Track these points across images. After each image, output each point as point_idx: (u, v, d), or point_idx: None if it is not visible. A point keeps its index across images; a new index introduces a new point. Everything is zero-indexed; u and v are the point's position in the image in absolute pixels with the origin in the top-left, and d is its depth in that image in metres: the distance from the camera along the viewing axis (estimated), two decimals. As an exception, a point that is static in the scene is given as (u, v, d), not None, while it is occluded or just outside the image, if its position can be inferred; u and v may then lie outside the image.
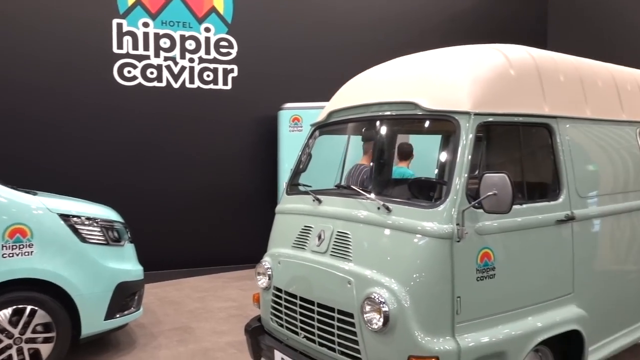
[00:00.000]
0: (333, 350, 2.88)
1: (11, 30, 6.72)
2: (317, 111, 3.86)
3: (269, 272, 3.40)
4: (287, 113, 7.58)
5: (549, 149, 3.17)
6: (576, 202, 3.18)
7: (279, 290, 3.31)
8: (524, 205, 2.92)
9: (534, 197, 3.10)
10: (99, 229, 4.22)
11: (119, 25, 7.17)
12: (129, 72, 7.25)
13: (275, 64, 8.03)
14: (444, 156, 3.31)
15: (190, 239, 7.67)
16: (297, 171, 3.78)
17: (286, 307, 3.25)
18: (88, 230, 4.13)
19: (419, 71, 3.19)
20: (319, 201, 3.28)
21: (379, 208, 2.85)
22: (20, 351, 3.82)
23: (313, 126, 3.78)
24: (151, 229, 7.38)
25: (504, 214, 2.61)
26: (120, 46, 7.19)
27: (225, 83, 7.80)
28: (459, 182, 2.64)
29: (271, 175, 7.67)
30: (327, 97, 3.86)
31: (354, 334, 2.74)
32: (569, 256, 3.13)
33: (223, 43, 7.75)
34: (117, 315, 4.35)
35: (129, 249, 4.58)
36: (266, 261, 3.46)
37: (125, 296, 4.40)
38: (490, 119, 2.84)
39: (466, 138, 2.71)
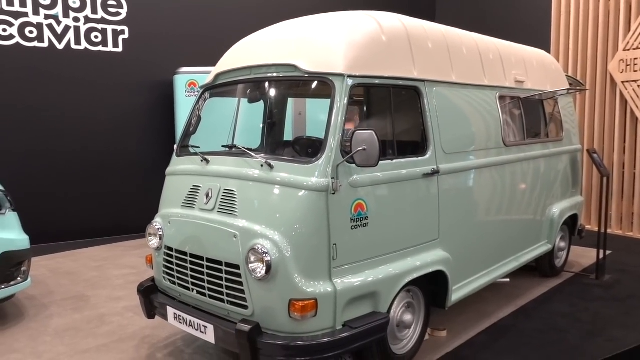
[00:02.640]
0: (222, 301, 3.05)
1: None
2: (214, 76, 3.87)
3: (160, 233, 3.47)
4: (183, 77, 7.45)
5: (417, 110, 3.49)
6: (441, 158, 3.56)
7: (170, 249, 3.40)
8: (394, 161, 3.22)
9: (405, 154, 3.42)
10: (-24, 198, 4.00)
11: (-11, -22, 6.57)
12: (4, 30, 6.70)
13: (170, 26, 7.80)
14: (322, 116, 3.54)
15: (86, 209, 7.40)
16: (187, 133, 3.84)
17: (177, 265, 3.35)
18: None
19: (298, 35, 3.35)
20: (207, 161, 3.38)
21: (262, 165, 3.02)
22: None
23: (201, 88, 3.84)
24: (42, 199, 7.04)
25: (374, 168, 2.89)
26: (-8, 2, 6.61)
27: (115, 45, 7.45)
28: (333, 139, 2.86)
29: (168, 141, 7.55)
30: (224, 62, 3.87)
31: (241, 284, 2.93)
32: (435, 206, 3.51)
33: (111, 2, 7.36)
34: (1, 287, 4.19)
35: (11, 217, 4.38)
36: (157, 222, 3.52)
37: (9, 266, 4.24)
38: (363, 81, 3.08)
39: (340, 98, 2.93)
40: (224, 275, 3.01)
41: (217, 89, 3.77)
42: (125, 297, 5.10)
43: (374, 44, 3.20)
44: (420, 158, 3.41)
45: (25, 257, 4.48)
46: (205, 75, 6.96)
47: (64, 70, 7.10)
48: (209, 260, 3.10)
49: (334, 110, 2.93)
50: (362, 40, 3.14)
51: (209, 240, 3.12)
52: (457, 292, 3.73)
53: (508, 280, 4.47)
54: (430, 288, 3.56)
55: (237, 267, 2.94)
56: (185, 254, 3.27)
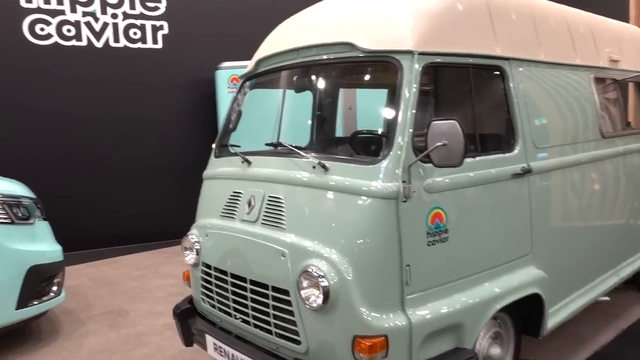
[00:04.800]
0: (270, 332, 2.52)
1: None
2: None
3: (197, 247, 2.98)
4: (225, 73, 7.02)
5: (501, 96, 2.84)
6: (533, 154, 2.89)
7: (208, 266, 2.90)
8: (477, 158, 2.59)
9: (487, 150, 2.78)
10: (0, 206, 3.65)
11: (26, -24, 6.32)
12: (42, 29, 6.45)
13: (210, 19, 7.36)
14: (386, 105, 2.95)
15: (128, 214, 7.08)
16: (226, 131, 3.34)
17: (217, 286, 2.85)
18: (-15, 208, 3.56)
19: (355, 7, 2.75)
20: (249, 163, 2.86)
21: (314, 167, 2.46)
22: None
23: (242, 78, 3.32)
24: (83, 205, 6.77)
25: (456, 168, 2.28)
26: (29, 0, 6.36)
27: (155, 41, 7.10)
28: (402, 133, 2.27)
29: (211, 140, 7.11)
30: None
31: (292, 313, 2.38)
32: (527, 213, 2.85)
33: (150, -4, 7.02)
34: (33, 303, 3.84)
35: (41, 227, 4.02)
36: (193, 234, 3.03)
37: (40, 281, 3.89)
38: (437, 59, 2.47)
39: (410, 81, 2.33)
40: (270, 302, 2.47)
41: (259, 77, 3.24)
42: (165, 312, 4.67)
43: (449, 13, 2.58)
44: (507, 155, 2.76)
45: (58, 270, 4.12)
46: (247, 69, 6.57)
47: (103, 69, 6.79)
48: (252, 282, 2.57)
49: (402, 96, 2.33)
50: (434, 9, 2.53)
51: (252, 259, 2.60)
52: (554, 317, 3.05)
53: (608, 299, 3.72)
54: (521, 312, 2.90)
55: (286, 292, 2.40)
56: (225, 273, 2.76)
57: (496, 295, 2.58)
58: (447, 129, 2.18)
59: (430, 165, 2.29)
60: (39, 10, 6.41)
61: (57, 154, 6.62)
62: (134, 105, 7.01)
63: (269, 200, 2.60)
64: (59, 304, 4.28)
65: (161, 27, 7.11)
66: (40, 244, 3.94)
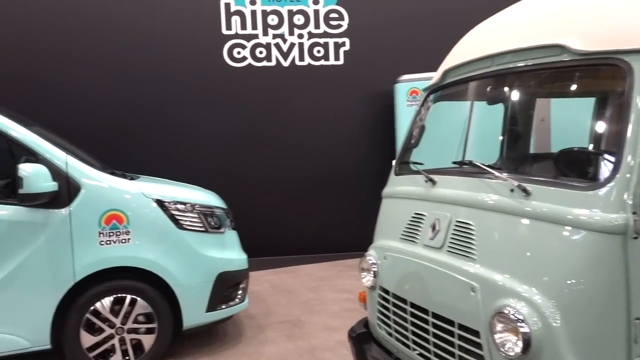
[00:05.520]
0: (454, 374, 2.23)
1: (118, 21, 6.84)
2: (437, 82, 3.14)
3: (374, 269, 2.83)
4: (405, 86, 6.88)
5: None
6: None
7: (386, 291, 2.72)
8: None
9: None
10: (197, 215, 3.97)
11: (227, 6, 6.99)
12: (239, 52, 7.06)
13: (390, 33, 7.33)
14: (607, 115, 2.46)
15: (306, 224, 7.36)
16: (408, 147, 3.14)
17: (395, 313, 2.65)
18: (185, 216, 3.89)
19: (565, 4, 2.34)
20: (433, 182, 2.62)
21: (512, 190, 2.12)
22: (122, 341, 3.71)
23: (425, 91, 3.10)
24: (268, 214, 7.20)
25: None
26: (229, 27, 7.02)
27: (337, 58, 7.29)
28: (634, 150, 1.82)
29: (389, 155, 7.03)
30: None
31: (482, 358, 2.07)
32: None
33: (333, 15, 7.24)
34: (221, 307, 4.09)
35: (230, 236, 4.29)
36: (371, 255, 2.89)
37: (227, 287, 4.13)
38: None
39: (645, 87, 1.86)
40: (456, 341, 2.19)
41: (445, 89, 2.99)
42: (339, 328, 4.63)
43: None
44: None
45: (243, 277, 4.35)
46: (427, 82, 6.32)
47: (288, 86, 7.18)
48: (435, 316, 2.32)
49: (633, 106, 1.87)
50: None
51: (435, 289, 2.34)
52: None
53: None
54: None
55: (475, 333, 2.09)
56: (404, 301, 2.55)
57: None
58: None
59: (670, 192, 1.79)
60: (236, 35, 7.04)
61: (245, 168, 7.17)
62: (316, 121, 7.28)
63: (456, 225, 2.32)
64: (243, 310, 4.53)
65: (343, 44, 7.27)
66: (228, 252, 4.19)
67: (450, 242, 2.32)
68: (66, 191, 3.54)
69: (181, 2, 6.94)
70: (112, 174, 3.93)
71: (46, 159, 3.52)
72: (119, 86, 6.81)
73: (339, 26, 7.26)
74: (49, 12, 6.64)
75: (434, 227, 2.45)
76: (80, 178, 3.60)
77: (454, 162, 2.74)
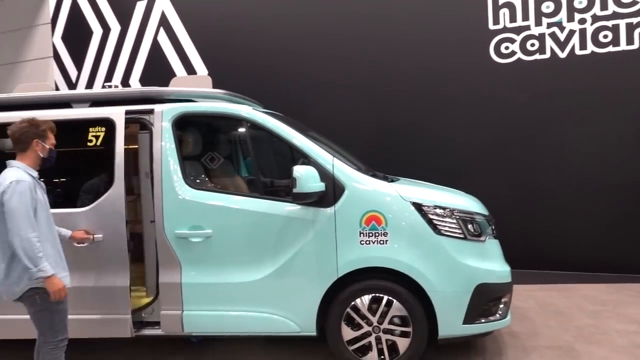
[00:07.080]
0: None
1: (386, 21, 7.05)
2: None
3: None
4: None
5: None
6: None
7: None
8: None
9: None
10: (456, 221, 3.76)
11: (494, -1, 6.57)
12: (507, 47, 6.54)
13: None
14: None
15: (584, 237, 6.37)
16: None
17: None
18: (443, 221, 3.73)
19: None
20: None
21: None
22: (378, 340, 3.77)
23: None
24: (537, 222, 6.51)
25: None
26: (496, 21, 6.57)
27: (630, 42, 6.10)
28: None
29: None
30: None
31: None
32: None
33: (625, -9, 6.08)
34: (480, 321, 3.81)
35: (491, 245, 3.95)
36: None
37: (487, 300, 3.81)
38: None
39: None
40: None
41: None
42: (626, 366, 3.84)
43: None
44: None
45: (505, 291, 3.96)
46: None
47: (566, 81, 6.33)
48: None
49: None
50: None
51: None
52: None
53: None
54: None
55: None
56: None
57: None
58: None
59: None
60: (504, 30, 6.55)
61: (512, 172, 6.61)
62: (600, 118, 6.23)
63: None
64: (504, 327, 4.13)
65: (638, 25, 6.04)
66: (489, 262, 3.87)
67: None
68: (332, 191, 3.77)
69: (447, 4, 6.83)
70: (374, 176, 4.03)
71: (316, 161, 3.82)
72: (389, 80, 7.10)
73: (634, 3, 6.05)
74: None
75: None
76: (344, 179, 3.80)
77: None
